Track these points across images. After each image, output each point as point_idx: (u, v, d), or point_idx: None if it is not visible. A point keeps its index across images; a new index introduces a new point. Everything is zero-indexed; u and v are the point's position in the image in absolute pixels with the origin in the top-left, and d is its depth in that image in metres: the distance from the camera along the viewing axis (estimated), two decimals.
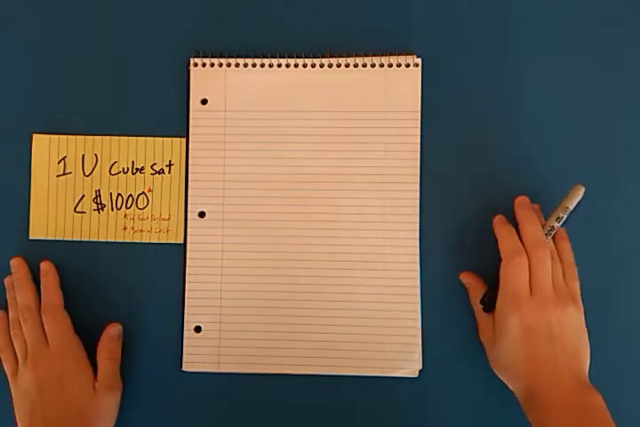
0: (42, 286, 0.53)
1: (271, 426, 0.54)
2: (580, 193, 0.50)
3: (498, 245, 0.50)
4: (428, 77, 0.54)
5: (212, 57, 0.55)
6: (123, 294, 0.54)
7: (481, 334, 0.52)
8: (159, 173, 0.55)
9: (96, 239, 0.55)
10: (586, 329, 0.48)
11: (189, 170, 0.55)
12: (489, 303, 0.51)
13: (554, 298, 0.47)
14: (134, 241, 0.55)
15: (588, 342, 0.48)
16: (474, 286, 0.52)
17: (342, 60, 0.54)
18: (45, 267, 0.53)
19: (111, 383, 0.52)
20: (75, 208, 0.55)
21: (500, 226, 0.50)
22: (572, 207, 0.50)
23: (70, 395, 0.50)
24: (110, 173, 0.55)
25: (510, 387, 0.49)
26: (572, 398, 0.46)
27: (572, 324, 0.48)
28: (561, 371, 0.47)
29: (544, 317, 0.47)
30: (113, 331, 0.53)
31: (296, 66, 0.55)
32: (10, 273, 0.54)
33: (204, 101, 0.55)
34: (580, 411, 0.45)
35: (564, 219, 0.50)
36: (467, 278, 0.53)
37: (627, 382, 0.53)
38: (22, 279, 0.53)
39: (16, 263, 0.54)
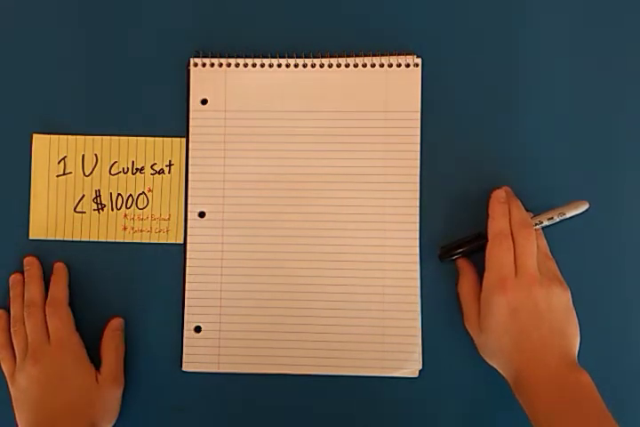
0: (51, 282, 0.53)
1: (271, 426, 0.54)
2: (582, 208, 0.50)
3: (487, 221, 0.50)
4: (428, 77, 0.54)
5: (212, 57, 0.55)
6: (123, 295, 0.54)
7: (466, 322, 0.51)
8: (159, 173, 0.55)
9: (96, 239, 0.55)
10: (574, 309, 0.48)
11: (189, 170, 0.55)
12: (450, 251, 0.52)
13: (539, 278, 0.47)
14: (134, 241, 0.55)
15: (576, 323, 0.48)
16: (466, 271, 0.52)
17: (342, 60, 0.54)
18: (58, 266, 0.54)
19: (115, 376, 0.52)
20: (75, 208, 0.55)
21: (497, 203, 0.50)
22: (567, 215, 0.50)
23: (73, 388, 0.50)
24: (110, 173, 0.55)
25: (500, 371, 0.49)
26: (559, 376, 0.46)
27: (559, 303, 0.47)
28: (547, 350, 0.46)
29: (531, 296, 0.47)
30: (116, 324, 0.53)
31: (296, 66, 0.54)
32: (14, 271, 0.54)
33: (204, 101, 0.55)
34: (567, 389, 0.45)
35: (553, 221, 0.50)
36: (462, 263, 0.52)
37: (623, 369, 0.53)
38: (33, 276, 0.53)
39: (29, 260, 0.54)
